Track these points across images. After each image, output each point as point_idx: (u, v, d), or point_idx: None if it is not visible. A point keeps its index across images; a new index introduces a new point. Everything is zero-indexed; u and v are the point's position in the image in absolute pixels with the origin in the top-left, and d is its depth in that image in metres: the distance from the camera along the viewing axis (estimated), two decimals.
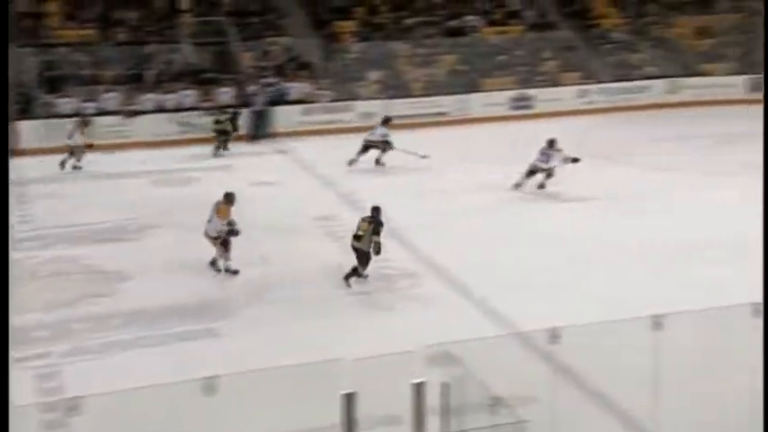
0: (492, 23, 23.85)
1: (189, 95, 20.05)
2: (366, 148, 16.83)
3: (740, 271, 10.61)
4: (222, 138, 18.39)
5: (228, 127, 18.59)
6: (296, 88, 20.75)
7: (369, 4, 23.62)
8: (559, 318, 6.91)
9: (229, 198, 11.14)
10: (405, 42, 22.79)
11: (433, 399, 5.93)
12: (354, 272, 10.75)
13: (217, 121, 18.60)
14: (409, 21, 23.32)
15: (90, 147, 17.00)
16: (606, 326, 7.28)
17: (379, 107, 21.10)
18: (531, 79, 22.70)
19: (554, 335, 6.04)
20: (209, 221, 11.03)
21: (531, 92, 22.15)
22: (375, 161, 17.00)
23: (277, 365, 6.72)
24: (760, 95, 22.39)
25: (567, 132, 19.63)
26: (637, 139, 19.22)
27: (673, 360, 7.58)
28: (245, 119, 19.55)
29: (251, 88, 20.38)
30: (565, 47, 23.66)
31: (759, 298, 7.11)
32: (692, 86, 22.77)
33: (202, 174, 16.50)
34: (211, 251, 11.18)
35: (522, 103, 22.00)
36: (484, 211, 13.86)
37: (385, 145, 16.81)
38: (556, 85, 22.52)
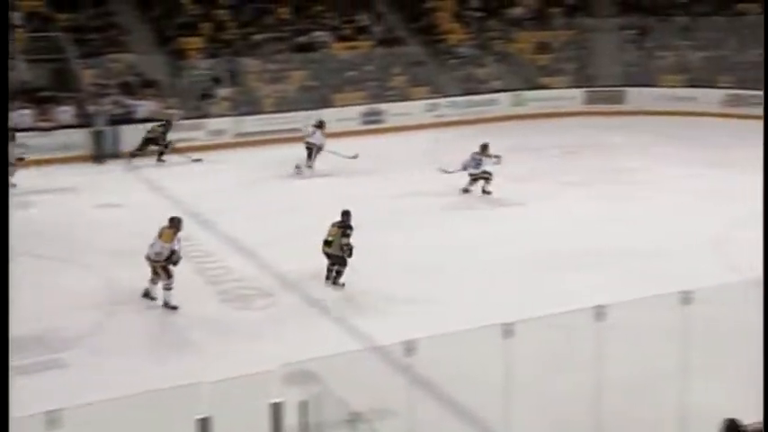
0: (341, 39, 24.16)
1: (26, 114, 19.12)
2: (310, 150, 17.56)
3: (601, 276, 11.26)
4: (156, 148, 18.57)
5: (159, 137, 18.64)
6: (143, 106, 20.21)
7: (215, 20, 23.37)
8: (416, 330, 7.08)
9: (174, 222, 10.79)
10: (254, 58, 22.70)
11: (291, 418, 5.95)
12: (337, 274, 11.11)
13: (148, 131, 18.73)
14: (257, 37, 23.26)
15: None
16: (459, 335, 7.52)
17: (230, 124, 20.92)
18: (381, 94, 23.16)
19: (409, 347, 6.19)
20: (152, 245, 10.68)
21: (382, 106, 22.59)
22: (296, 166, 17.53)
23: (129, 393, 6.53)
24: (596, 107, 23.94)
25: (416, 146, 20.30)
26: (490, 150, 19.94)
27: (523, 365, 7.96)
28: (90, 138, 18.92)
29: (92, 107, 19.68)
30: (413, 62, 24.30)
31: (608, 301, 7.53)
32: (535, 99, 23.93)
33: (43, 197, 15.77)
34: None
35: (372, 117, 22.40)
36: None
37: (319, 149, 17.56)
38: (405, 99, 23.08)
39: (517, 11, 26.25)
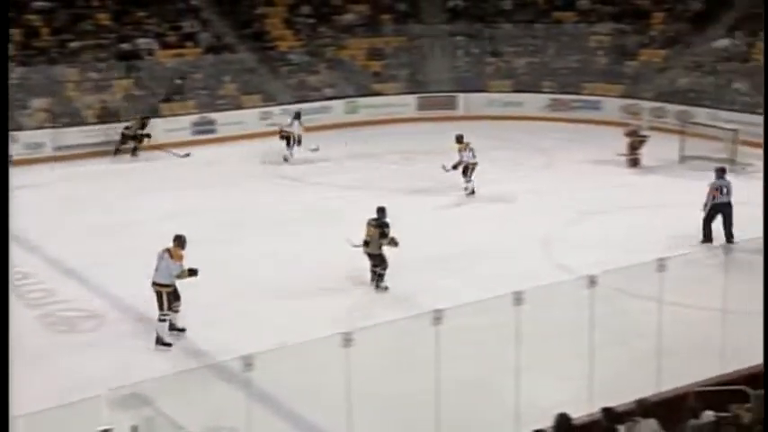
0: (167, 47, 23.59)
1: None
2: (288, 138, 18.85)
3: (435, 280, 11.58)
4: (131, 144, 19.63)
5: (137, 132, 19.77)
6: None
7: (26, 25, 22.19)
8: (257, 344, 7.04)
9: (181, 240, 10.14)
10: (72, 67, 21.73)
11: None
12: (379, 276, 11.17)
13: (126, 128, 19.68)
14: (74, 44, 22.29)
15: None
16: (299, 347, 7.53)
17: (48, 137, 19.92)
18: (212, 103, 22.80)
19: (247, 362, 6.14)
20: (157, 269, 9.95)
21: (213, 115, 22.25)
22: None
23: None
24: (429, 113, 24.62)
25: (251, 155, 20.13)
26: (325, 158, 20.07)
27: (364, 372, 8.08)
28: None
29: None
30: (244, 69, 24.09)
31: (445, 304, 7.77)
32: (369, 106, 24.34)
33: None
34: None
35: (204, 127, 22.01)
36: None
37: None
38: (237, 108, 22.85)
39: (348, 17, 26.62)
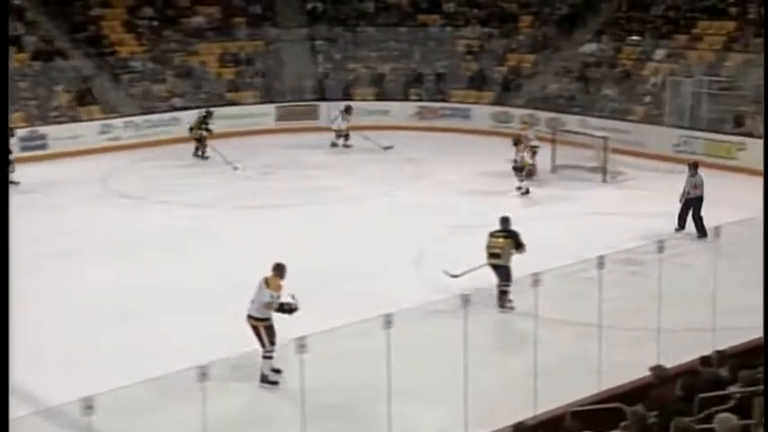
0: None
1: None
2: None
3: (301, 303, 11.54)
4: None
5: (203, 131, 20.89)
6: None
7: None
8: (99, 386, 6.81)
9: (280, 268, 9.86)
10: None
11: None
12: (504, 294, 11.04)
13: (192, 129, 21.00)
14: None
15: None
16: (153, 383, 7.35)
17: None
18: (42, 115, 21.99)
19: (87, 405, 5.93)
20: (253, 301, 9.46)
21: (44, 129, 21.44)
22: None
23: None
24: (290, 124, 24.62)
25: (89, 173, 19.52)
26: (172, 174, 19.72)
27: (224, 403, 7.97)
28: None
29: None
30: (79, 78, 23.37)
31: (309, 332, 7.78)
32: (223, 117, 24.05)
33: None
34: None
35: (33, 142, 21.14)
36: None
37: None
38: (73, 121, 22.11)
39: (197, 20, 26.30)
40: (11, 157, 17.51)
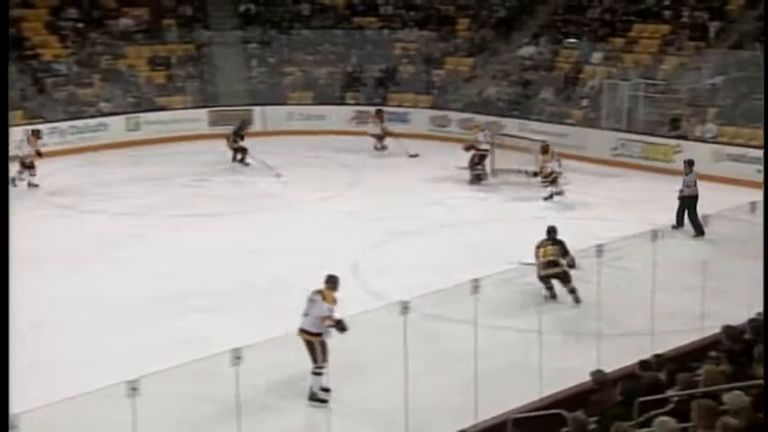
0: None
1: None
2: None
3: (226, 317, 11.45)
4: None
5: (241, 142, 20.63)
6: None
7: None
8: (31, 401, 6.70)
9: (334, 280, 9.62)
10: None
11: None
12: (573, 292, 11.55)
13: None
14: None
15: None
16: (80, 400, 7.22)
17: None
18: None
19: (13, 424, 5.82)
20: (306, 315, 9.26)
21: None
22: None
23: None
24: (223, 129, 24.38)
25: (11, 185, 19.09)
26: (100, 182, 19.42)
27: (155, 423, 7.87)
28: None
29: None
30: None
31: (241, 344, 7.73)
32: (153, 122, 23.79)
33: None
34: None
35: None
36: None
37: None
38: None
39: (124, 22, 25.94)
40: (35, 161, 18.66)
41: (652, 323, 9.68)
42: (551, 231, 12.03)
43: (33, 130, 19.60)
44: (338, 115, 24.74)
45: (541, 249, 11.85)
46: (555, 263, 11.72)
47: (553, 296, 11.83)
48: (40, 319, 11.34)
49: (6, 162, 7.21)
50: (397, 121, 24.41)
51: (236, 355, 7.20)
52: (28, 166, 18.75)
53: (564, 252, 11.77)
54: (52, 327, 11.25)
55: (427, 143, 22.89)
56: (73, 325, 11.36)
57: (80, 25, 25.29)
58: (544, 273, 11.81)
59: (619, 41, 23.60)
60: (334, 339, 8.99)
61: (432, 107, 24.69)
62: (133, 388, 6.54)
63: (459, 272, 10.90)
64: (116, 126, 23.31)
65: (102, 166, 20.97)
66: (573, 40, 24.32)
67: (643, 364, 8.11)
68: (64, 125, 22.54)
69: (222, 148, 21.00)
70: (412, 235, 15.40)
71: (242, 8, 27.40)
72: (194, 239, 15.22)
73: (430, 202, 17.49)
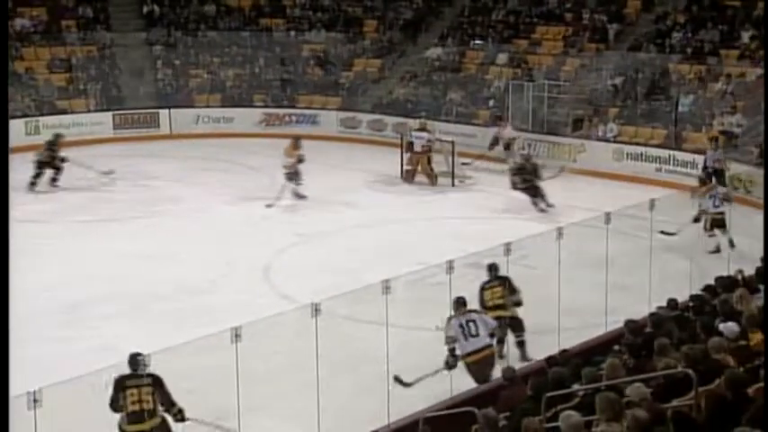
0: None
1: None
2: None
3: (142, 322, 11.27)
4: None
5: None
6: None
7: None
8: None
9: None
10: None
11: None
12: (522, 345, 10.24)
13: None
14: None
15: None
16: None
17: None
18: None
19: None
20: (476, 335, 9.39)
21: None
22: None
23: None
24: (128, 132, 23.95)
25: None
26: None
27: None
28: None
29: None
30: None
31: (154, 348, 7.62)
32: (54, 126, 23.13)
33: None
34: None
35: None
36: None
37: None
38: None
39: (21, 22, 25.20)
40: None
41: (558, 319, 9.91)
42: (493, 269, 10.27)
43: None
44: (246, 117, 24.59)
45: (488, 292, 10.19)
46: (503, 306, 10.19)
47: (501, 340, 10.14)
48: None
49: (6, 162, 7.08)
50: (305, 123, 24.41)
51: (144, 363, 7.12)
52: None
53: (512, 290, 10.25)
54: None
55: (337, 145, 22.92)
56: None
57: None
58: (494, 315, 9.98)
59: (523, 43, 24.05)
60: (246, 344, 8.91)
61: (340, 109, 24.72)
62: (35, 399, 6.41)
63: (370, 272, 10.98)
64: (15, 130, 22.58)
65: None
66: (479, 42, 24.70)
67: (549, 360, 8.31)
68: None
69: (128, 150, 20.58)
70: (321, 237, 15.42)
71: (145, 9, 26.94)
72: (88, 247, 14.84)
73: (340, 203, 17.52)
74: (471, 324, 9.46)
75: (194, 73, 25.81)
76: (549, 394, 6.86)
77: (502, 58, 23.88)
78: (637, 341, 8.04)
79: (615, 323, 9.57)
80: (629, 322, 8.74)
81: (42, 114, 23.40)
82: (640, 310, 9.44)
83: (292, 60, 26.12)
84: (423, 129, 19.73)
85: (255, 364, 9.41)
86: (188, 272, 13.45)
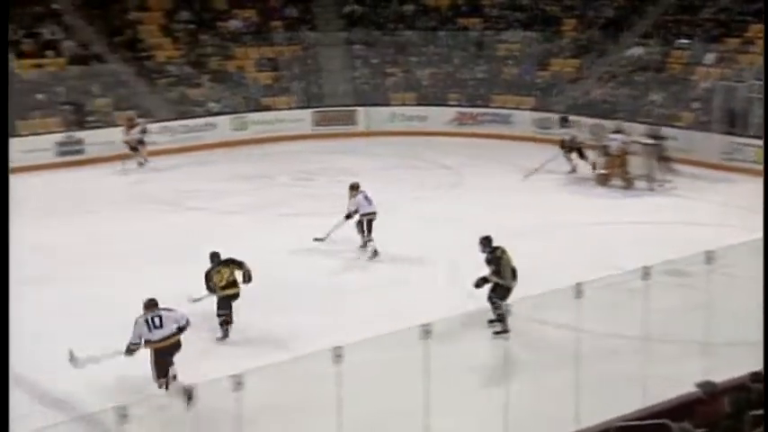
0: (23, 56, 22.96)
1: None
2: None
3: (337, 314, 11.52)
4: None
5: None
6: None
7: None
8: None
9: None
10: None
11: None
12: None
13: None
14: None
15: None
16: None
17: None
18: (79, 120, 22.28)
19: (121, 413, 6.00)
20: None
21: (81, 134, 21.75)
22: None
23: None
24: (327, 129, 24.65)
25: (124, 179, 19.78)
26: (207, 180, 19.83)
27: (260, 417, 7.97)
28: None
29: None
30: (116, 82, 23.66)
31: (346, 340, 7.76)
32: (259, 122, 24.23)
33: None
34: None
35: (70, 147, 21.49)
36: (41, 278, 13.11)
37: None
38: (109, 125, 22.35)
39: (234, 24, 26.51)
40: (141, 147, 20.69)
41: (765, 333, 9.31)
42: (215, 256, 11.09)
43: (128, 118, 21.05)
44: (440, 116, 24.77)
45: (216, 276, 10.92)
46: (234, 282, 10.98)
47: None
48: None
49: (6, 162, 7.30)
50: (498, 123, 24.28)
51: (338, 354, 7.26)
52: (133, 148, 20.63)
53: (239, 265, 11.02)
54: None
55: (530, 145, 22.64)
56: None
57: (192, 27, 25.96)
58: (224, 294, 10.94)
59: (734, 42, 22.86)
60: (433, 342, 8.93)
61: (534, 109, 24.39)
62: (238, 382, 6.65)
63: (563, 277, 10.73)
64: (223, 125, 23.86)
65: (210, 164, 21.45)
66: (685, 41, 23.69)
67: (754, 376, 7.82)
68: (175, 124, 23.15)
69: (325, 146, 21.04)
70: (515, 237, 15.23)
71: (347, 9, 27.65)
72: (298, 239, 15.26)
73: (533, 204, 17.25)
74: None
75: (391, 71, 26.23)
76: (752, 412, 6.46)
77: (709, 57, 22.79)
78: None
79: None
80: None
81: (247, 111, 24.47)
82: None
83: (488, 59, 26.01)
84: (618, 131, 19.17)
85: (442, 362, 9.44)
86: (380, 266, 13.67)
